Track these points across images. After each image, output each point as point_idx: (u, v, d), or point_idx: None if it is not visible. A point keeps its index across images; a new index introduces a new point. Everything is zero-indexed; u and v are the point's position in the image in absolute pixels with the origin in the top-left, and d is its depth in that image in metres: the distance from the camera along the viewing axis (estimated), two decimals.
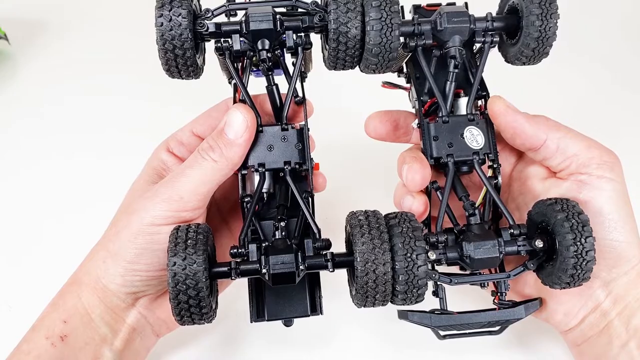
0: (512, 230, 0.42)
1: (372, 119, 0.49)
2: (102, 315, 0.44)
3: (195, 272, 0.38)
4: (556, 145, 0.43)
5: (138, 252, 0.43)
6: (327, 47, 0.43)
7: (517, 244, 0.41)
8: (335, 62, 0.43)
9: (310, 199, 0.45)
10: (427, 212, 0.45)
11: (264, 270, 0.40)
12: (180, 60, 0.42)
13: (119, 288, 0.44)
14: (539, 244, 0.41)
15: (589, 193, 0.42)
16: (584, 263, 0.39)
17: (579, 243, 0.39)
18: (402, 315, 0.44)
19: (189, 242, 0.39)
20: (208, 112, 0.50)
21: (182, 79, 0.45)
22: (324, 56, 0.46)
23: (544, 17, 0.43)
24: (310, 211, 0.45)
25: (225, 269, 0.41)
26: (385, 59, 0.42)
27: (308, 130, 0.45)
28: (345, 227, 0.42)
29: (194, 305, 0.39)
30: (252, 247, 0.42)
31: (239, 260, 0.41)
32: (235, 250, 0.42)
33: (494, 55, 0.47)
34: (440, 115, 0.45)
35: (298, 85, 0.47)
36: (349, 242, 0.42)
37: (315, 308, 0.45)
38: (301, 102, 0.47)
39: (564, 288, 0.41)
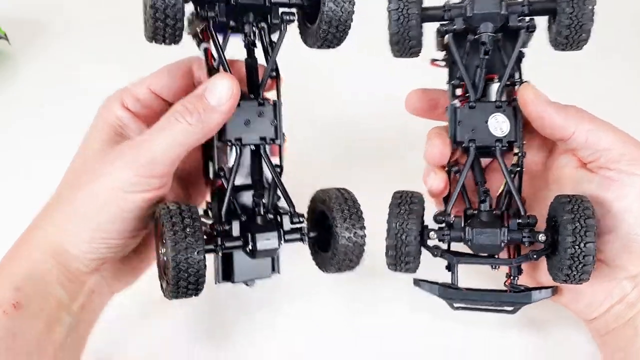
0: (520, 220, 0.43)
1: (412, 95, 0.50)
2: (60, 279, 0.42)
3: (198, 261, 0.39)
4: (585, 138, 0.42)
5: (107, 219, 0.41)
6: (312, 25, 0.44)
7: (522, 234, 0.42)
8: (322, 42, 0.44)
9: (279, 173, 0.46)
10: (446, 189, 0.46)
11: (249, 247, 0.42)
12: (169, 29, 0.42)
13: (84, 255, 0.42)
14: (542, 238, 0.42)
15: (617, 191, 0.42)
16: (580, 266, 0.40)
17: (577, 247, 0.39)
18: (416, 283, 0.46)
19: (188, 230, 0.39)
20: (167, 68, 0.48)
21: (165, 44, 0.44)
22: (304, 32, 0.46)
23: (576, 3, 0.42)
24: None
25: (212, 246, 0.42)
26: (405, 46, 0.44)
27: (281, 105, 0.45)
28: (317, 204, 0.46)
29: (191, 288, 0.40)
30: (235, 225, 0.43)
31: (221, 237, 0.43)
32: (219, 228, 0.43)
33: (538, 41, 0.46)
34: (468, 100, 0.45)
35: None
36: (318, 214, 0.46)
37: (274, 268, 0.48)
38: (275, 76, 0.47)
39: (563, 282, 0.42)
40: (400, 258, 0.43)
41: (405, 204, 0.43)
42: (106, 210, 0.41)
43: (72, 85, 0.79)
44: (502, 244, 0.42)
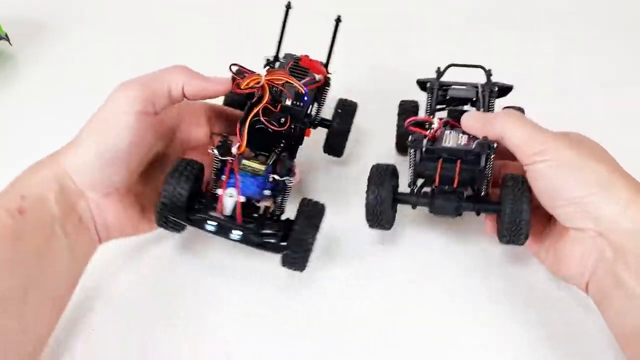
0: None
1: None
2: (57, 198, 0.48)
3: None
4: (503, 141, 0.50)
5: (111, 135, 0.49)
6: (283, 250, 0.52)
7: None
8: (289, 266, 0.54)
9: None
10: None
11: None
12: (171, 224, 0.53)
13: (84, 176, 0.49)
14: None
15: (540, 176, 0.48)
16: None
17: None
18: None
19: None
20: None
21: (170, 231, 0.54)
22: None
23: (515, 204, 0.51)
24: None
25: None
26: (377, 222, 0.55)
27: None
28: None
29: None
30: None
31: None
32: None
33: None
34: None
35: None
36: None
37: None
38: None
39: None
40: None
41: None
42: (109, 127, 0.49)
43: (72, 86, 0.80)
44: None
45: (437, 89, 0.60)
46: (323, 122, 0.62)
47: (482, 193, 0.53)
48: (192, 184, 0.50)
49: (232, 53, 0.85)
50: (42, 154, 0.68)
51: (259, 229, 0.50)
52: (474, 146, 0.51)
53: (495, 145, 0.51)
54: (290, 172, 0.51)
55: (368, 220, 0.54)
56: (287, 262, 0.51)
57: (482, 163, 0.51)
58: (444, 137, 0.53)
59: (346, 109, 0.62)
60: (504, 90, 0.62)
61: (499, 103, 0.60)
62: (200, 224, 0.49)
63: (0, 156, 0.69)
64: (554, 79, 0.80)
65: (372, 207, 0.52)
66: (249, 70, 0.53)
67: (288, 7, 0.61)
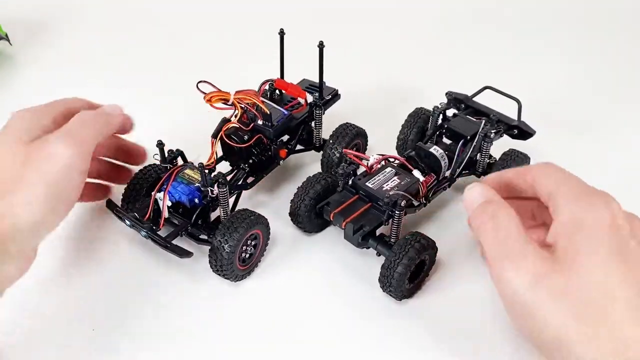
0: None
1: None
2: None
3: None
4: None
5: (52, 199, 0.46)
6: None
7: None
8: None
9: None
10: None
11: None
12: None
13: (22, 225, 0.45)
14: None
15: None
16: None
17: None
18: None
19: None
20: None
21: None
22: None
23: None
24: None
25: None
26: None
27: None
28: None
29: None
30: None
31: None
32: None
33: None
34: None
35: None
36: None
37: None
38: None
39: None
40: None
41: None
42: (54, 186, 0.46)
43: (72, 86, 0.80)
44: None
45: (437, 116, 0.61)
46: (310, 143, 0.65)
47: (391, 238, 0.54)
48: (146, 190, 0.56)
49: (231, 54, 0.87)
50: None
51: (179, 231, 0.53)
52: (385, 198, 0.52)
53: (403, 203, 0.52)
54: (220, 184, 0.53)
55: (291, 216, 0.58)
56: (212, 266, 0.53)
57: (385, 216, 0.53)
58: (377, 175, 0.56)
59: (342, 133, 0.63)
60: (524, 133, 0.63)
61: (508, 142, 0.61)
62: (122, 219, 0.54)
63: None
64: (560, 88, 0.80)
65: (292, 208, 0.57)
66: (218, 89, 0.55)
67: (282, 33, 0.63)
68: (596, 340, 0.36)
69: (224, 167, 0.60)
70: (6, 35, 0.83)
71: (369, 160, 0.57)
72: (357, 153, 0.58)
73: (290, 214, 0.58)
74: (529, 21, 0.95)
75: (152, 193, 0.54)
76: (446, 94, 0.64)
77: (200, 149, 0.59)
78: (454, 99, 0.64)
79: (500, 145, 0.63)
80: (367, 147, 0.67)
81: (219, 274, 0.53)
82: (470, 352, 0.50)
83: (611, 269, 0.37)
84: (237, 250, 0.52)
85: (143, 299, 0.53)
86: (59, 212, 0.47)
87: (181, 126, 0.70)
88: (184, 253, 0.51)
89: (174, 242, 0.52)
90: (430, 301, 0.53)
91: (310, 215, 0.57)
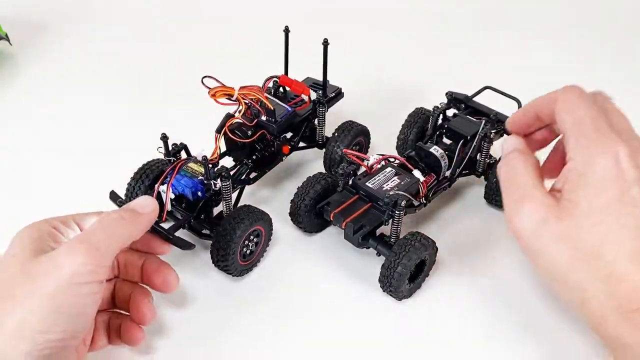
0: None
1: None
2: None
3: None
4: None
5: (54, 316, 0.38)
6: None
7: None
8: None
9: None
10: None
11: None
12: None
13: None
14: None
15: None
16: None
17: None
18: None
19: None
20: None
21: None
22: None
23: None
24: None
25: None
26: None
27: None
28: None
29: None
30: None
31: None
32: None
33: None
34: None
35: None
36: None
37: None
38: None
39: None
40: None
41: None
42: (54, 305, 0.38)
43: (71, 86, 0.80)
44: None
45: (438, 116, 0.61)
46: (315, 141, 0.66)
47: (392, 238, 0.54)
48: (149, 183, 0.55)
49: (237, 51, 0.87)
50: (42, 153, 0.69)
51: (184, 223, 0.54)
52: (385, 198, 0.52)
53: (403, 203, 0.52)
54: (223, 177, 0.52)
55: (291, 215, 0.58)
56: (213, 259, 0.53)
57: (385, 216, 0.53)
58: (377, 175, 0.56)
59: (345, 131, 0.63)
60: None
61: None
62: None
63: (0, 156, 0.69)
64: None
65: (292, 208, 0.57)
66: (222, 84, 0.55)
67: (286, 31, 0.63)
68: (590, 275, 0.39)
69: (227, 162, 0.60)
70: (6, 35, 0.83)
71: (369, 160, 0.57)
72: (357, 153, 0.58)
73: (290, 214, 0.58)
74: (529, 21, 0.95)
75: (156, 185, 0.54)
76: (446, 94, 0.64)
77: (205, 144, 0.58)
78: (454, 99, 0.64)
79: (501, 145, 0.63)
80: (369, 147, 0.67)
81: (220, 268, 0.53)
82: (471, 352, 0.50)
83: (604, 218, 0.39)
84: (239, 244, 0.52)
85: None
86: (68, 331, 0.39)
87: (186, 121, 0.71)
88: (185, 245, 0.50)
89: (176, 234, 0.52)
90: (430, 301, 0.53)
91: (310, 215, 0.57)
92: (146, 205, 0.44)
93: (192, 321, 0.52)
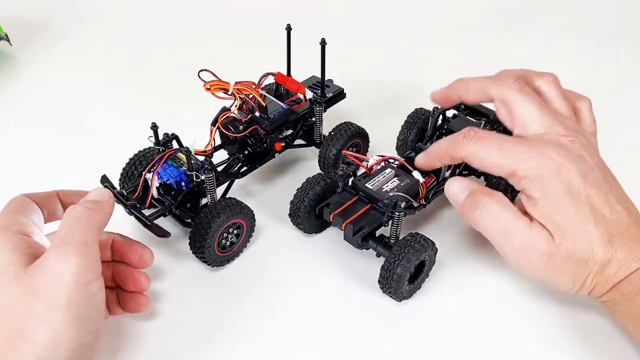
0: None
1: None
2: None
3: None
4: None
5: (78, 321, 0.39)
6: None
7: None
8: None
9: None
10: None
11: None
12: None
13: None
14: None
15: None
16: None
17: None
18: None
19: None
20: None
21: None
22: None
23: None
24: None
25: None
26: None
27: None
28: None
29: None
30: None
31: None
32: None
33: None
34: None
35: None
36: None
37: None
38: None
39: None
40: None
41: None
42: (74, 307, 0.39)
43: (72, 86, 0.80)
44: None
45: (437, 117, 0.61)
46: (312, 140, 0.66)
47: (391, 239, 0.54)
48: (142, 169, 0.57)
49: (239, 48, 0.87)
50: (42, 153, 0.69)
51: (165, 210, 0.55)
52: (385, 199, 0.52)
53: (403, 204, 0.52)
54: (206, 170, 0.53)
55: (290, 216, 0.58)
56: (191, 249, 0.54)
57: (385, 217, 0.53)
58: (377, 176, 0.56)
59: (340, 132, 0.63)
60: None
61: None
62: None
63: (0, 155, 0.69)
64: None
65: (292, 209, 0.57)
66: (218, 78, 0.56)
67: (288, 29, 0.64)
68: (590, 274, 0.46)
69: (223, 155, 0.61)
70: (6, 35, 0.83)
71: (368, 162, 0.57)
72: (356, 154, 0.58)
73: (289, 215, 0.58)
74: (529, 21, 0.95)
75: (143, 172, 0.55)
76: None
77: (201, 137, 0.59)
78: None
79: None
80: (369, 147, 0.67)
81: (198, 258, 0.55)
82: (470, 352, 0.50)
83: (583, 223, 0.45)
84: (215, 236, 0.53)
85: None
86: (93, 329, 0.41)
87: (186, 116, 0.71)
88: (162, 233, 0.52)
89: (158, 222, 0.53)
90: (430, 302, 0.54)
91: (310, 216, 0.57)
92: (102, 194, 0.45)
93: (170, 307, 0.53)
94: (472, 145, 0.48)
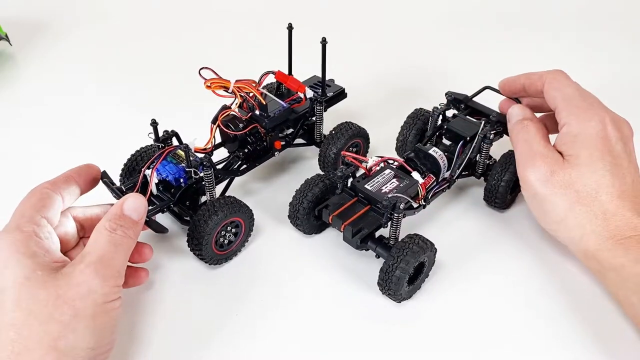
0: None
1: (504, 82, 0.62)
2: None
3: None
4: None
5: (99, 333, 0.42)
6: None
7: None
8: None
9: None
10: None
11: None
12: None
13: None
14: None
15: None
16: (495, 195, 0.60)
17: (494, 182, 0.59)
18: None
19: None
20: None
21: None
22: None
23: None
24: None
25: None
26: None
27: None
28: None
29: None
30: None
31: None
32: None
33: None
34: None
35: None
36: None
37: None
38: None
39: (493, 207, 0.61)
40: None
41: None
42: (97, 325, 0.42)
43: (71, 85, 0.80)
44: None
45: (437, 117, 0.61)
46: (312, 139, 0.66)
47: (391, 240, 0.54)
48: (143, 166, 0.56)
49: (242, 47, 0.87)
50: (42, 153, 0.69)
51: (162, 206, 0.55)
52: (384, 200, 0.52)
53: (402, 205, 0.52)
54: (205, 167, 0.53)
55: (289, 217, 0.58)
56: (189, 246, 0.54)
57: (384, 219, 0.53)
58: (376, 177, 0.55)
59: (341, 131, 0.63)
60: None
61: (508, 143, 0.60)
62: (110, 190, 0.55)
63: (0, 155, 0.69)
64: None
65: (291, 210, 0.57)
66: (219, 76, 0.56)
67: (290, 28, 0.64)
68: (589, 214, 0.50)
69: (223, 153, 0.61)
70: (6, 35, 0.83)
71: (367, 163, 0.57)
72: (355, 155, 0.58)
73: (289, 216, 0.58)
74: (529, 21, 0.95)
75: (142, 169, 0.55)
76: (446, 94, 0.64)
77: (201, 136, 0.59)
78: (454, 100, 0.64)
79: (501, 146, 0.63)
80: (370, 148, 0.67)
81: (195, 255, 0.55)
82: (470, 353, 0.50)
83: (600, 166, 0.51)
84: (212, 234, 0.53)
85: None
86: (109, 341, 0.44)
87: (187, 114, 0.71)
88: (160, 229, 0.53)
89: (156, 218, 0.54)
90: (429, 303, 0.53)
91: (309, 217, 0.57)
92: (139, 210, 0.47)
93: (169, 302, 0.53)
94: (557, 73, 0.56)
